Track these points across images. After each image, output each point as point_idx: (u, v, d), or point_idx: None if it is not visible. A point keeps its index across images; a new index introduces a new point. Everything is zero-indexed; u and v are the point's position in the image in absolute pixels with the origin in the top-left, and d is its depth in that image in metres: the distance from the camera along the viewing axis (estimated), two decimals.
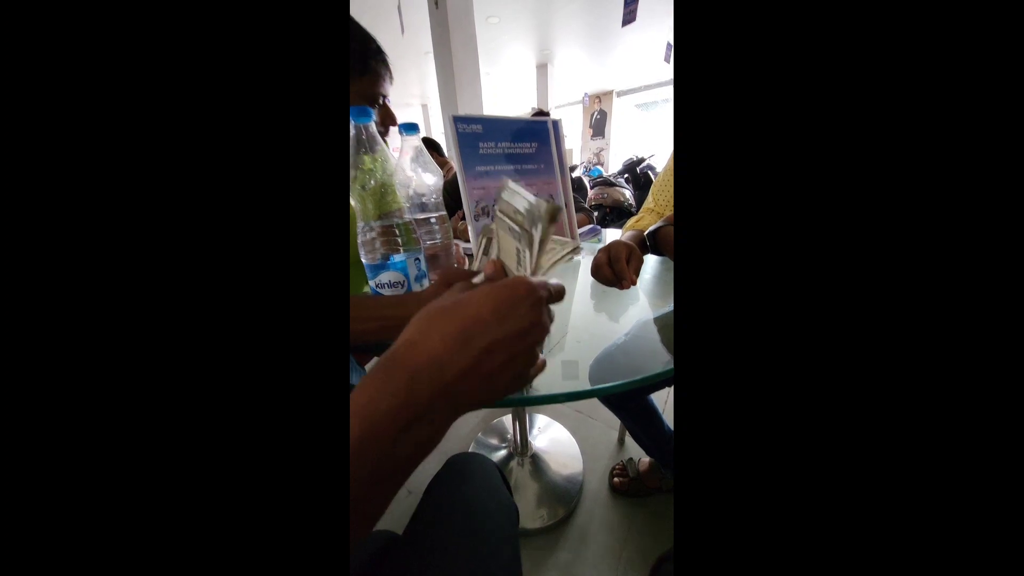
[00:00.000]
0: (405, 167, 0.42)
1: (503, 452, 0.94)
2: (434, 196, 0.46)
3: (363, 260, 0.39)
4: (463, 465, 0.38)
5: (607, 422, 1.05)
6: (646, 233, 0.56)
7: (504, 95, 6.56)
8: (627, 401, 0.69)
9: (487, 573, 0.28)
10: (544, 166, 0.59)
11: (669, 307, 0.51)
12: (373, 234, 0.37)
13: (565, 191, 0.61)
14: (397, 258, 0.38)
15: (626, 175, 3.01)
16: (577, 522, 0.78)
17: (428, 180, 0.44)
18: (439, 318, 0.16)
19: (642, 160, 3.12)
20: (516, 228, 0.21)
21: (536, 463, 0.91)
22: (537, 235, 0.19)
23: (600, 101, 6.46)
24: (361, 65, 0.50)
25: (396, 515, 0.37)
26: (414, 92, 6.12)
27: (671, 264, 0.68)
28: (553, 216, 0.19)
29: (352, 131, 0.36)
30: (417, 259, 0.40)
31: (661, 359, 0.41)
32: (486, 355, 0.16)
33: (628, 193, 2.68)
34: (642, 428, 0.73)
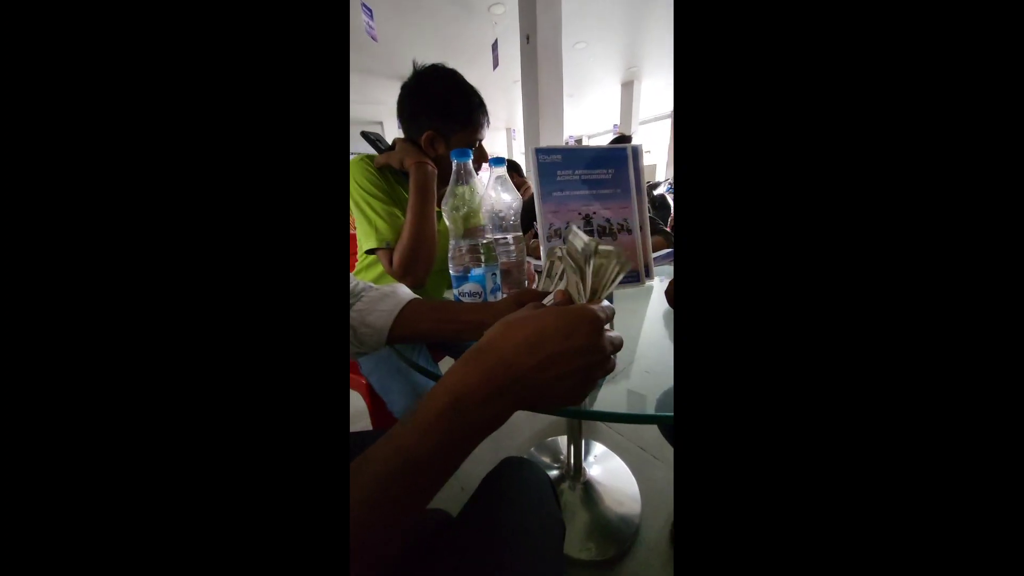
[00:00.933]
0: (491, 192, 0.49)
1: (554, 472, 0.93)
2: (512, 218, 0.51)
3: (450, 271, 0.46)
4: (518, 467, 0.40)
5: (671, 466, 0.95)
6: None
7: (587, 114, 6.62)
8: None
9: (532, 567, 0.29)
10: (620, 191, 0.60)
11: None
12: (462, 250, 0.44)
13: (641, 215, 0.61)
14: (477, 272, 0.44)
15: None
16: (628, 568, 0.72)
17: (508, 203, 0.49)
18: (516, 327, 0.20)
19: None
20: (573, 264, 0.24)
21: (588, 491, 0.87)
22: (589, 269, 0.23)
23: None
24: (466, 117, 0.61)
25: (449, 505, 0.40)
26: (501, 117, 6.63)
27: None
28: (601, 253, 0.23)
29: (454, 167, 0.44)
30: (494, 274, 0.45)
31: None
32: (547, 363, 0.19)
33: None
34: None
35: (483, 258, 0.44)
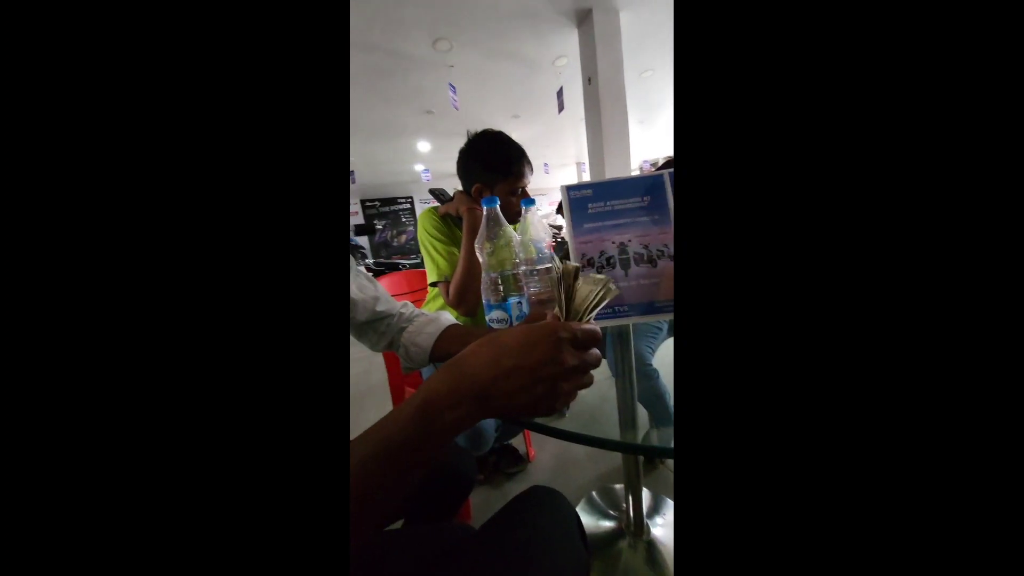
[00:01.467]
0: (527, 229, 0.55)
1: (611, 524, 0.84)
2: (543, 252, 0.55)
3: (483, 300, 0.52)
4: (547, 495, 0.39)
5: None
6: None
7: (661, 136, 6.38)
8: None
9: None
10: (658, 217, 0.59)
11: None
12: (488, 283, 0.50)
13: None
14: (503, 301, 0.49)
15: None
16: None
17: (540, 239, 0.54)
18: (485, 343, 0.24)
19: None
20: (555, 287, 0.27)
21: (653, 553, 0.76)
22: (561, 291, 0.25)
23: None
24: (506, 170, 0.73)
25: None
26: (570, 153, 6.91)
27: None
28: (573, 274, 0.25)
29: (484, 212, 0.52)
30: (519, 302, 0.49)
31: None
32: (506, 375, 0.22)
33: None
34: None
35: (506, 289, 0.49)
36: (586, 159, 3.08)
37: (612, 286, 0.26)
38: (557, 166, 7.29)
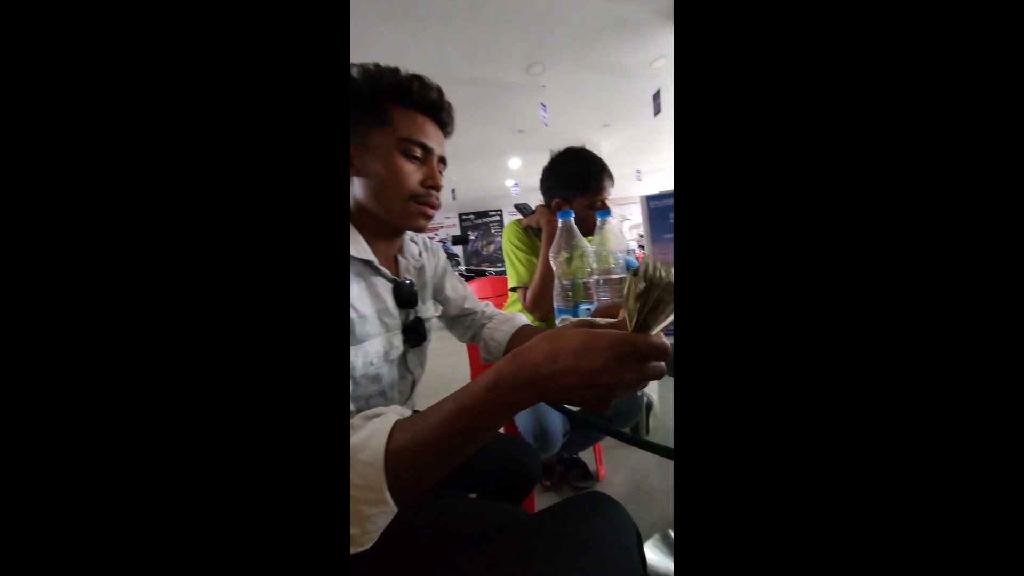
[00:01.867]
0: (606, 240, 0.57)
1: None
2: (620, 261, 0.56)
3: (555, 305, 0.56)
4: (604, 501, 0.39)
5: None
6: None
7: None
8: None
9: None
10: None
11: None
12: (558, 290, 0.53)
13: None
14: (572, 307, 0.52)
15: None
16: None
17: (618, 251, 0.55)
18: (547, 338, 0.27)
19: None
20: (626, 296, 0.27)
21: None
22: (631, 301, 0.25)
23: None
24: (584, 184, 0.76)
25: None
26: (665, 157, 6.35)
27: None
28: (659, 286, 0.23)
29: (561, 223, 0.56)
30: (588, 309, 0.51)
31: None
32: (563, 374, 0.24)
33: None
34: None
35: (574, 297, 0.52)
36: None
37: None
38: (651, 171, 6.79)
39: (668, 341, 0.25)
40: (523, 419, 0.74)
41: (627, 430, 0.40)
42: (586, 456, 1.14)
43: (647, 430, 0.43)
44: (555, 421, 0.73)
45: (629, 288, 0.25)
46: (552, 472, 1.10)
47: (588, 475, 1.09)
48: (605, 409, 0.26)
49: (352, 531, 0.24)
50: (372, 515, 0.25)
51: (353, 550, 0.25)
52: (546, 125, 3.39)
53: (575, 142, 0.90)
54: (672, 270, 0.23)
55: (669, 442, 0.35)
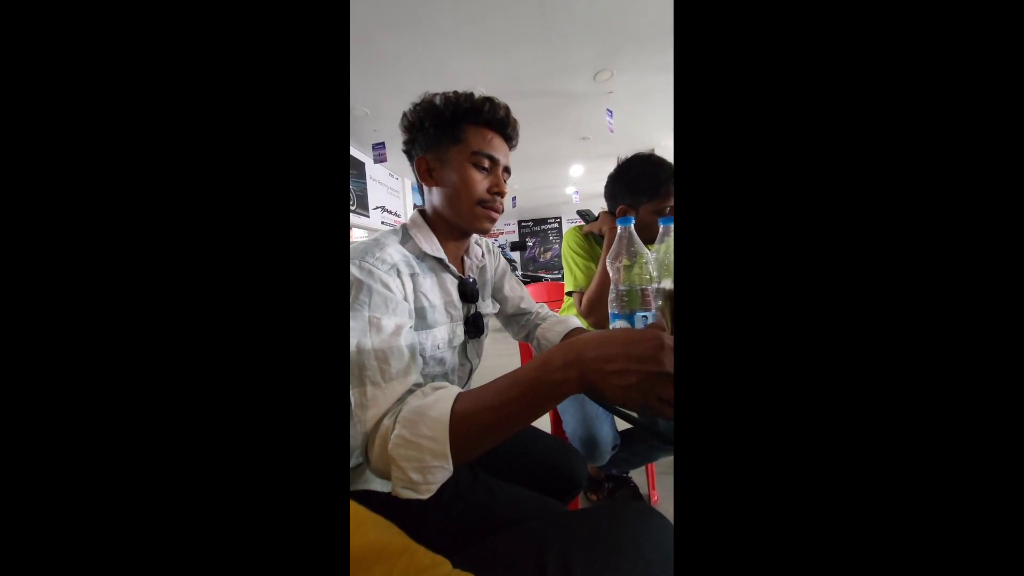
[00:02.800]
0: (670, 247, 0.55)
1: None
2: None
3: (610, 311, 0.55)
4: (655, 516, 0.37)
5: None
6: None
7: None
8: None
9: None
10: None
11: None
12: (616, 295, 0.53)
13: None
14: (625, 314, 0.51)
15: None
16: None
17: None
18: (598, 332, 0.29)
19: None
20: (664, 303, 0.29)
21: None
22: (668, 305, 0.27)
23: None
24: (653, 192, 0.75)
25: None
26: None
27: None
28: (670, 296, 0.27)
29: (620, 230, 0.56)
30: (644, 317, 0.50)
31: None
32: (610, 359, 0.26)
33: None
34: None
35: (629, 304, 0.51)
36: None
37: None
38: None
39: None
40: (572, 425, 0.74)
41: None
42: (638, 478, 1.07)
43: None
44: (604, 430, 0.71)
45: (662, 295, 0.28)
46: (600, 487, 1.06)
47: (638, 496, 1.02)
48: (648, 409, 0.26)
49: (415, 477, 0.29)
50: (433, 468, 0.29)
51: (412, 496, 0.29)
52: (612, 131, 3.31)
53: (642, 147, 0.88)
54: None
55: None
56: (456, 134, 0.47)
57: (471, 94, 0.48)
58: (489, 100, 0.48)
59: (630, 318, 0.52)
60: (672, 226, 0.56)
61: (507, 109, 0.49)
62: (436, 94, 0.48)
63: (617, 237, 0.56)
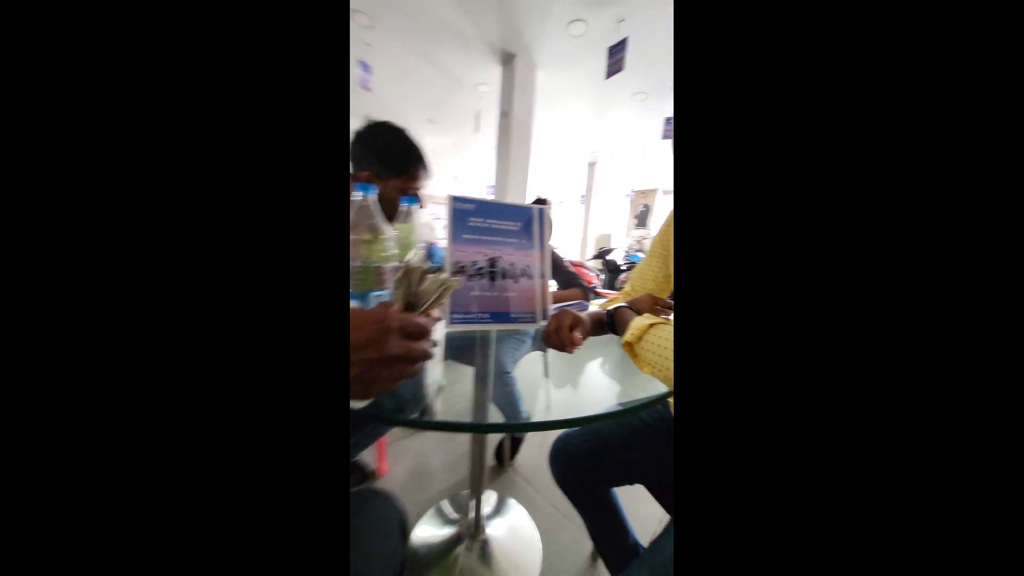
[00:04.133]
0: (413, 229, 0.55)
1: (451, 529, 0.86)
2: (422, 253, 0.56)
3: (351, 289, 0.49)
4: (368, 497, 0.40)
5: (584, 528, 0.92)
6: (606, 311, 0.59)
7: (556, 185, 7.40)
8: (582, 489, 0.63)
9: None
10: (526, 241, 0.69)
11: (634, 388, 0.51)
12: (351, 271, 0.47)
13: (543, 265, 0.69)
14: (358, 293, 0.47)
15: None
16: None
17: (423, 242, 0.55)
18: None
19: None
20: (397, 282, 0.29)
21: (485, 552, 0.80)
22: (403, 284, 0.28)
23: (646, 196, 6.99)
24: (403, 167, 0.71)
25: None
26: (477, 171, 7.23)
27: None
28: (419, 274, 0.28)
29: (364, 198, 0.50)
30: (379, 296, 0.48)
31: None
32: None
33: None
34: (600, 529, 0.65)
35: (363, 281, 0.48)
36: (494, 181, 3.27)
37: (453, 283, 0.30)
38: (466, 178, 7.47)
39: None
40: None
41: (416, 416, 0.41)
42: (367, 456, 1.06)
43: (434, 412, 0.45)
44: None
45: (398, 276, 0.29)
46: None
47: (364, 475, 1.02)
48: (372, 394, 0.25)
49: None
50: None
51: None
52: (367, 88, 2.97)
53: (396, 120, 0.83)
54: (426, 259, 0.29)
55: (462, 418, 0.38)
56: None
57: None
58: None
59: (363, 297, 0.48)
60: (416, 207, 0.57)
61: None
62: None
63: (358, 206, 0.49)
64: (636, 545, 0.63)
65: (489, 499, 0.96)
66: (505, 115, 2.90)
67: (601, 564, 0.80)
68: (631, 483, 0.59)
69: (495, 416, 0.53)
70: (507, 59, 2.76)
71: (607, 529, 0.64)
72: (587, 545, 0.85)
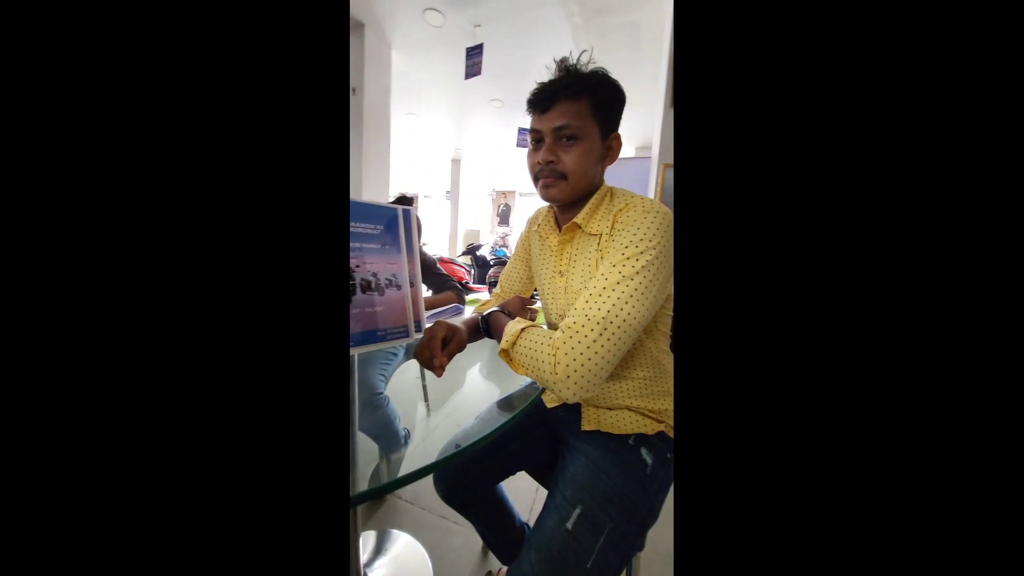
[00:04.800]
0: None
1: None
2: None
3: None
4: None
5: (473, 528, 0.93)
6: (480, 317, 0.60)
7: (424, 177, 7.11)
8: (471, 496, 0.63)
9: None
10: (388, 246, 0.61)
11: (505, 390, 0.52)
12: None
13: (412, 268, 0.63)
14: None
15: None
16: None
17: None
18: None
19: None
20: None
21: None
22: None
23: (506, 197, 7.63)
24: None
25: None
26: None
27: None
28: None
29: None
30: None
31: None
32: None
33: None
34: (490, 525, 0.66)
35: None
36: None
37: None
38: None
39: None
40: None
41: None
42: None
43: None
44: None
45: None
46: None
47: None
48: None
49: None
50: None
51: None
52: None
53: None
54: None
55: None
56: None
57: None
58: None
59: None
60: None
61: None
62: None
63: None
64: (523, 526, 0.68)
65: (367, 542, 0.84)
66: (354, 91, 2.52)
67: (491, 557, 0.83)
68: (515, 473, 0.63)
69: (366, 446, 0.45)
70: (356, 27, 2.40)
71: (497, 523, 0.66)
72: (478, 542, 0.87)
